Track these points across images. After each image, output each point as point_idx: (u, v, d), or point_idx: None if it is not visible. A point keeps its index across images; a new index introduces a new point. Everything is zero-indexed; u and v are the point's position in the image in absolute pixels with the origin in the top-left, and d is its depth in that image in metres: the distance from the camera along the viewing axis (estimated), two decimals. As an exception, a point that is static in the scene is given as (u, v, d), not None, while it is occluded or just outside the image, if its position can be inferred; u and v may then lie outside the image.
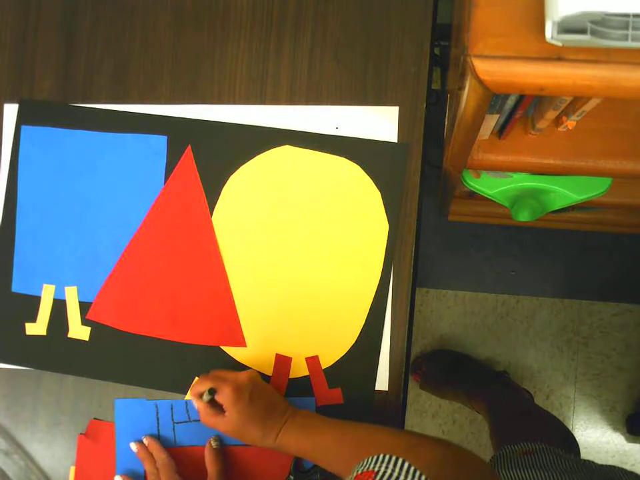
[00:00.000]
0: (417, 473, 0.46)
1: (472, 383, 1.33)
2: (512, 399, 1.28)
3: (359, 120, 0.76)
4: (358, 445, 0.60)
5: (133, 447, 0.75)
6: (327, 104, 0.76)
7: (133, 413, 0.77)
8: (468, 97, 0.55)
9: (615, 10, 0.41)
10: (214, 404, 0.68)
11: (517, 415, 1.11)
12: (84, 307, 0.79)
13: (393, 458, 0.49)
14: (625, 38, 0.42)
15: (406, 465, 0.47)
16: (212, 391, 0.67)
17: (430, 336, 1.48)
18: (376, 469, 0.47)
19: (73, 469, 0.78)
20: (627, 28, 0.42)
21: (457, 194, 1.09)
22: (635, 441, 1.44)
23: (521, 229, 1.43)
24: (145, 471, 0.75)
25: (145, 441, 0.76)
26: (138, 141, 0.79)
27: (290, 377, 0.75)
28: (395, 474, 0.46)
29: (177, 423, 0.76)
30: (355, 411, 0.74)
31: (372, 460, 0.50)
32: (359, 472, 0.49)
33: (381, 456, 0.49)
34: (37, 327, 0.80)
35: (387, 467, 0.47)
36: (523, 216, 0.94)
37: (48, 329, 0.79)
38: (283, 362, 0.75)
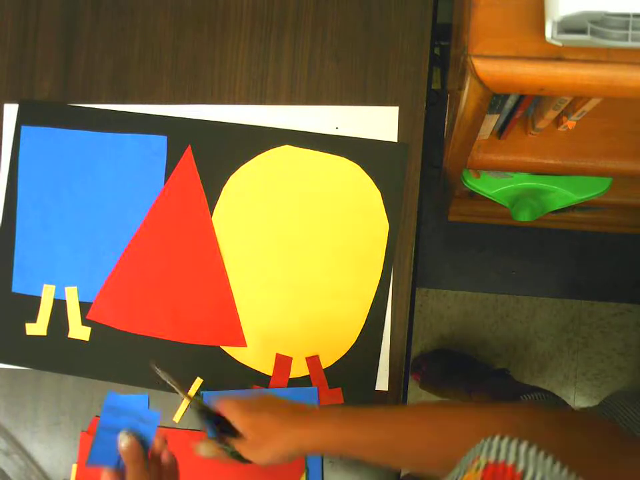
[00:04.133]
0: (557, 465, 0.36)
1: (472, 380, 1.33)
2: (514, 385, 1.28)
3: (359, 120, 0.76)
4: (438, 428, 0.50)
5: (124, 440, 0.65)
6: (326, 104, 0.76)
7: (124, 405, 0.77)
8: (468, 97, 0.55)
9: (615, 10, 0.41)
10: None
11: (520, 395, 1.10)
12: (84, 307, 0.79)
13: (514, 442, 0.37)
14: (625, 38, 0.42)
15: (532, 450, 0.37)
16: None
17: (430, 336, 1.48)
18: (510, 462, 0.36)
19: (75, 466, 0.78)
20: (627, 28, 0.42)
21: (457, 194, 1.09)
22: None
23: (521, 229, 1.43)
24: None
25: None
26: (138, 141, 0.79)
27: (290, 377, 0.75)
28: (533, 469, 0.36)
29: None
30: (355, 410, 0.74)
31: (489, 446, 0.38)
32: (483, 464, 0.37)
33: (498, 440, 0.38)
34: (37, 327, 0.80)
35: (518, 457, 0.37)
36: (523, 216, 0.94)
37: (48, 329, 0.79)
38: (283, 362, 0.75)
